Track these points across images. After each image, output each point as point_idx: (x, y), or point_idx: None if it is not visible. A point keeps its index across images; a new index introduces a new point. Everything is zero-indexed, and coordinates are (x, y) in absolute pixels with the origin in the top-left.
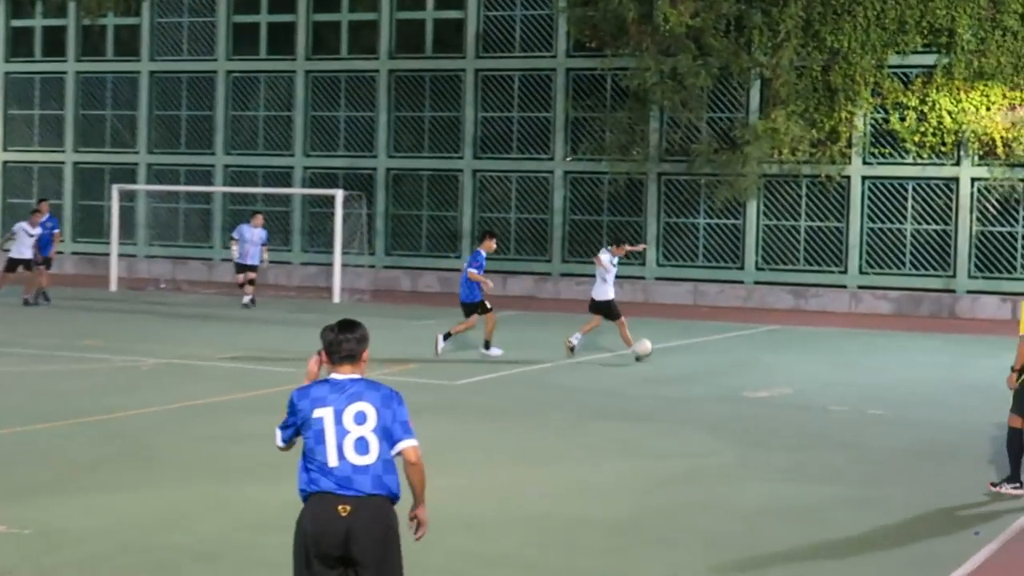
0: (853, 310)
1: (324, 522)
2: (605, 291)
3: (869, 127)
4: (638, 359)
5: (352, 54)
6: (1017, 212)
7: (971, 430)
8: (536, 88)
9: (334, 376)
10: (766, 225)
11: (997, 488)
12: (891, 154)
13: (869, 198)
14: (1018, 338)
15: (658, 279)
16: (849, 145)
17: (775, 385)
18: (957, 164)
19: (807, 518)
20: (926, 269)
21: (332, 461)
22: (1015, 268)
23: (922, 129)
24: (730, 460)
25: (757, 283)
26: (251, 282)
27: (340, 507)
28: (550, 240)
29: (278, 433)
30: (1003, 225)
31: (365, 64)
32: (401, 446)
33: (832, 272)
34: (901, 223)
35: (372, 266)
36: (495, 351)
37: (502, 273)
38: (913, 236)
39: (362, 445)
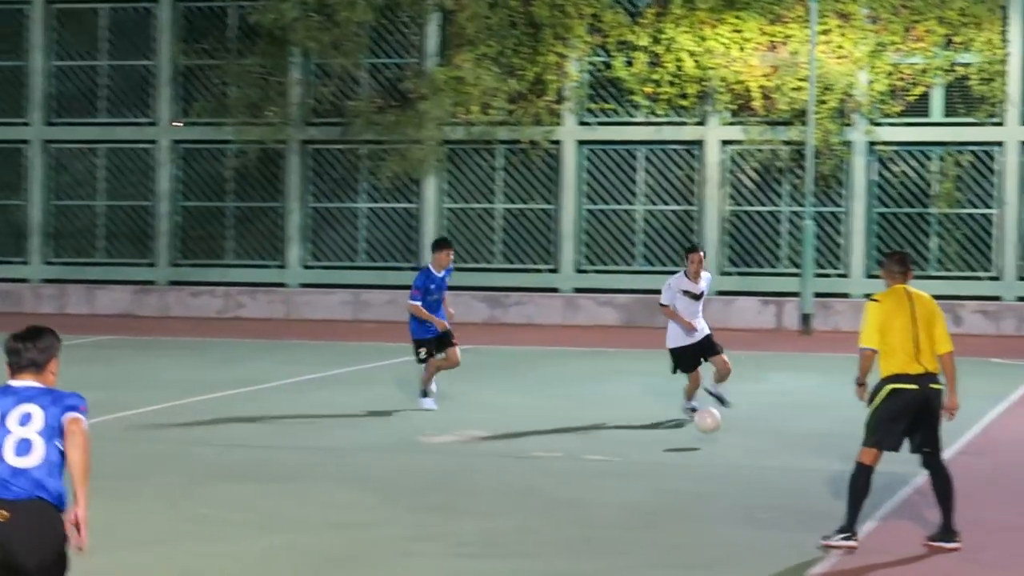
0: (568, 321)
1: None
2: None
3: (586, 75)
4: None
5: None
6: (780, 185)
7: (726, 476)
8: (131, 28)
9: (11, 383)
10: (450, 210)
11: (828, 542)
12: (615, 111)
13: (587, 170)
14: (859, 349)
15: (304, 286)
16: (560, 100)
17: (463, 426)
18: (702, 123)
19: None
20: (664, 264)
21: None
22: (779, 260)
23: (656, 77)
24: (402, 531)
25: None
26: None
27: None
28: (154, 236)
29: None
30: (762, 203)
31: None
32: (65, 418)
33: (540, 271)
34: (630, 203)
35: None
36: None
37: (86, 283)
38: (646, 220)
39: (24, 446)
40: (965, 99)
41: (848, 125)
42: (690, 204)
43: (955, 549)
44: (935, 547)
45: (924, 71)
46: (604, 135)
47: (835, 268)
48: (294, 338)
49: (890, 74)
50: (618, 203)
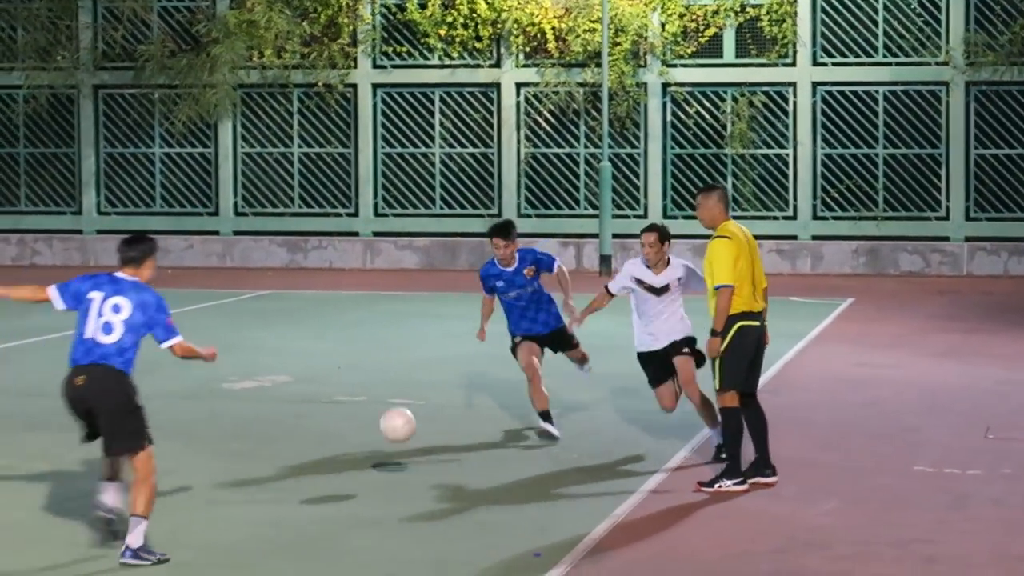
0: (368, 265)
1: (68, 391)
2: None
3: (379, 18)
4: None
5: None
6: (577, 127)
7: (534, 418)
8: None
9: (117, 274)
10: (246, 154)
11: (712, 488)
12: (410, 54)
13: (383, 113)
14: (715, 289)
15: (101, 232)
16: (354, 43)
17: (266, 372)
18: (497, 65)
19: (308, 548)
20: (463, 207)
21: (87, 334)
22: (577, 202)
23: (449, 19)
24: (205, 478)
25: (237, 233)
26: None
27: (77, 379)
28: None
29: (56, 295)
30: (560, 145)
31: None
32: (170, 343)
33: (338, 215)
34: (427, 146)
35: None
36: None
37: None
38: (444, 163)
39: (107, 328)
40: (756, 40)
41: (642, 67)
42: (488, 147)
43: (773, 483)
44: (754, 484)
45: (716, 12)
46: (399, 78)
47: (633, 209)
48: None
49: (682, 15)
50: (415, 146)
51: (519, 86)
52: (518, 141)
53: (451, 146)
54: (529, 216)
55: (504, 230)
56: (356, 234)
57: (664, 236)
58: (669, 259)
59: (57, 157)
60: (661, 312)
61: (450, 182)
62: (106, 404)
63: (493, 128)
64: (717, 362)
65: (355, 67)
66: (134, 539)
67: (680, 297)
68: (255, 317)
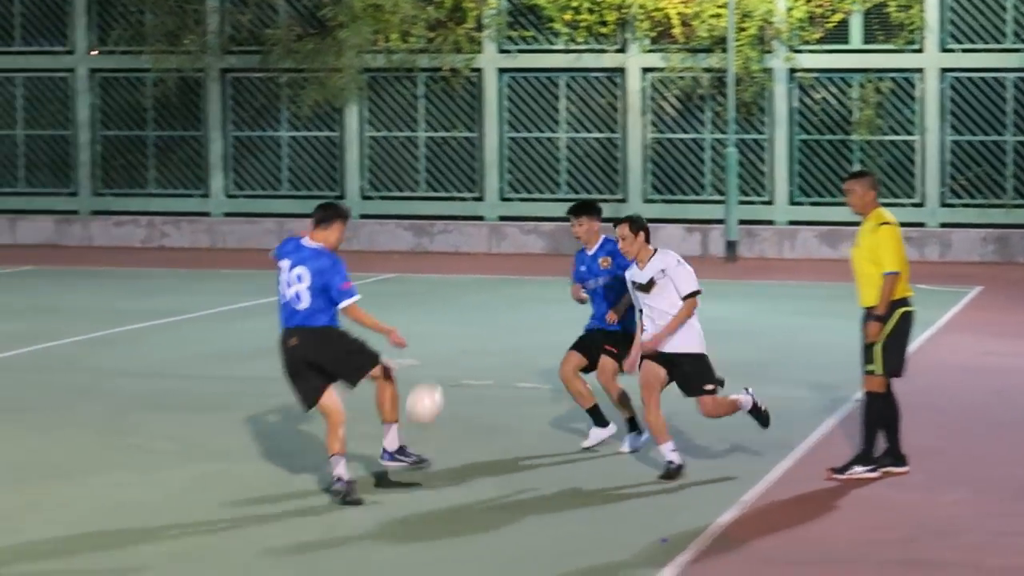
0: (494, 250)
1: (284, 352)
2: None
3: (504, 3)
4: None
5: None
6: (703, 112)
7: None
8: None
9: (302, 240)
10: (372, 138)
11: (843, 475)
12: (535, 38)
13: (509, 98)
14: (883, 275)
15: (228, 215)
16: (479, 27)
17: (393, 355)
18: (623, 51)
19: (442, 531)
20: (588, 191)
21: (285, 299)
22: (703, 188)
23: (575, 4)
24: (320, 460)
25: (364, 217)
26: None
27: (290, 341)
28: (74, 166)
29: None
30: (685, 131)
31: None
32: (342, 306)
33: (464, 199)
34: (553, 131)
35: None
36: None
37: (7, 213)
38: (569, 148)
39: (297, 297)
40: (884, 26)
41: (768, 52)
42: (612, 132)
43: (904, 473)
44: (886, 472)
45: None
46: (524, 63)
47: (759, 195)
48: (218, 267)
49: (808, 1)
50: (540, 131)
51: (644, 71)
52: (643, 126)
53: (576, 131)
54: (654, 202)
55: (575, 208)
56: (481, 218)
57: (636, 226)
58: (656, 251)
59: (185, 140)
60: (652, 311)
61: (575, 167)
62: (324, 356)
63: (618, 113)
64: (878, 347)
65: (480, 51)
66: (389, 442)
67: (673, 293)
68: (381, 300)
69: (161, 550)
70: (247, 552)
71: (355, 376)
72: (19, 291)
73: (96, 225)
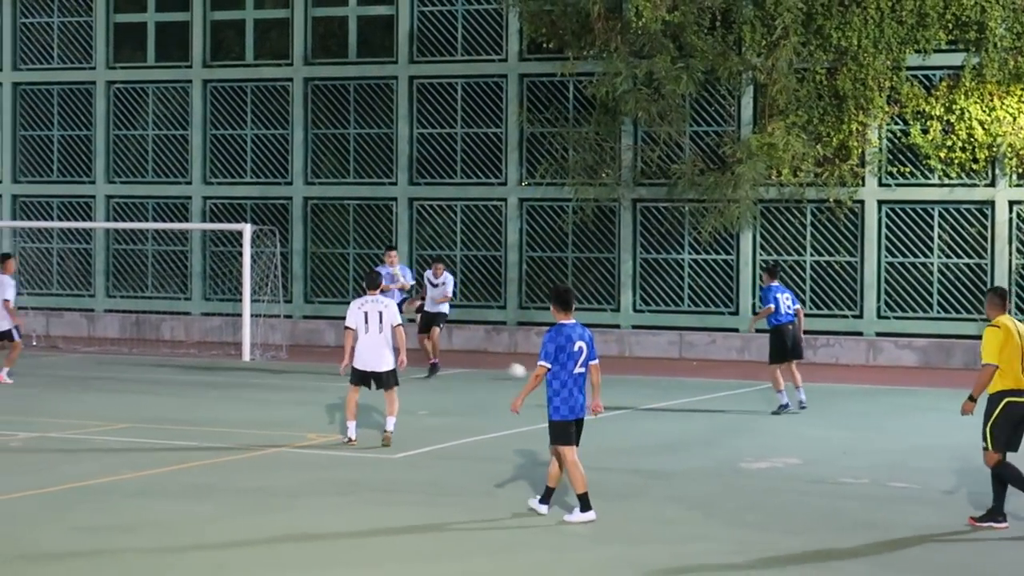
0: (871, 362)
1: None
2: None
3: (885, 142)
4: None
5: (260, 59)
6: None
7: (1019, 506)
8: (483, 99)
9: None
10: (764, 261)
11: (985, 524)
12: (912, 174)
13: (887, 227)
14: (983, 366)
15: (636, 327)
16: (862, 164)
17: (778, 454)
18: (992, 185)
19: None
20: (958, 312)
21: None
22: None
23: (949, 143)
24: (722, 547)
25: (756, 331)
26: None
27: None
28: (504, 282)
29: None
30: None
31: (275, 72)
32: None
33: (845, 317)
34: (927, 256)
35: (289, 316)
36: None
37: (447, 324)
38: (941, 272)
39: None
40: None
41: None
42: (981, 258)
43: (1005, 528)
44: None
45: None
46: (902, 195)
47: None
48: (626, 373)
49: None
50: (915, 256)
51: (1011, 203)
52: (1010, 253)
53: (948, 256)
54: (1021, 321)
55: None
56: (860, 334)
57: None
58: None
59: (600, 261)
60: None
61: (946, 288)
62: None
63: (987, 241)
64: (988, 431)
65: (863, 185)
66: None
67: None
68: (769, 405)
69: None
70: None
71: None
72: (456, 390)
73: (521, 334)
